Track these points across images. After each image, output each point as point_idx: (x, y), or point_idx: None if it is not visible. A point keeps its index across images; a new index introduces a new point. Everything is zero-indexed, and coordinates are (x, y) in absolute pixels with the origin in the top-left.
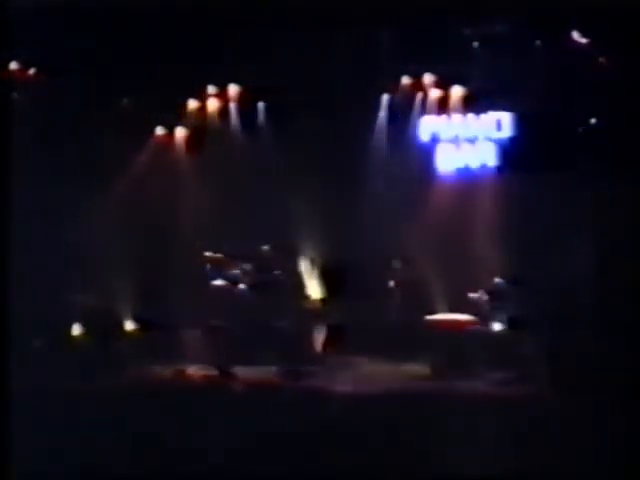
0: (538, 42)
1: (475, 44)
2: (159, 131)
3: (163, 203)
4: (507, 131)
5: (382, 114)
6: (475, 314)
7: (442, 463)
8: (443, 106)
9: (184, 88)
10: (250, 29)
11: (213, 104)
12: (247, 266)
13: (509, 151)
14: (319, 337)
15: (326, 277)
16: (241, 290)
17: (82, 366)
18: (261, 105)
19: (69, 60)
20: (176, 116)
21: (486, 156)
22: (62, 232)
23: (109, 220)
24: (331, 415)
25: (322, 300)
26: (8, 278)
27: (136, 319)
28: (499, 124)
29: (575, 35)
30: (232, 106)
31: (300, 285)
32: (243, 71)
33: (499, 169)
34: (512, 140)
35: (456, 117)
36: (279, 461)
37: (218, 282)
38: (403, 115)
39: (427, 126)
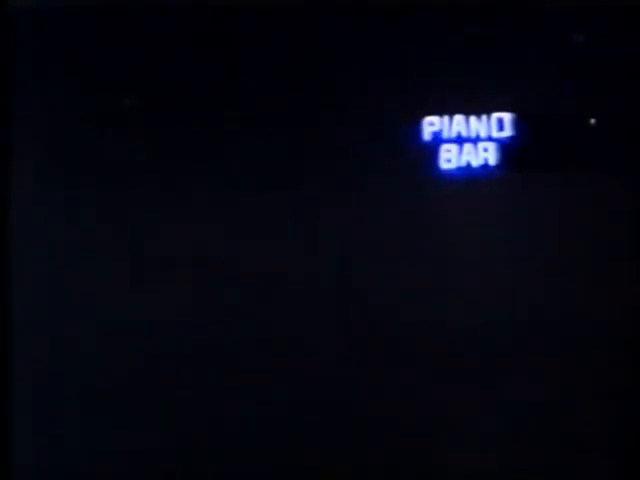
0: (540, 41)
1: (476, 43)
2: (163, 131)
3: (165, 203)
4: (508, 131)
5: (383, 115)
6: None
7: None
8: (444, 106)
9: (186, 88)
10: (249, 26)
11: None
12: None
13: (511, 150)
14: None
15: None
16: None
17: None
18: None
19: (69, 60)
20: (180, 116)
21: (488, 155)
22: (62, 232)
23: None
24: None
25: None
26: (8, 278)
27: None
28: (501, 124)
29: (576, 34)
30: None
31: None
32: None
33: (501, 168)
34: (513, 139)
35: (458, 117)
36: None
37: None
38: (404, 115)
39: (429, 126)
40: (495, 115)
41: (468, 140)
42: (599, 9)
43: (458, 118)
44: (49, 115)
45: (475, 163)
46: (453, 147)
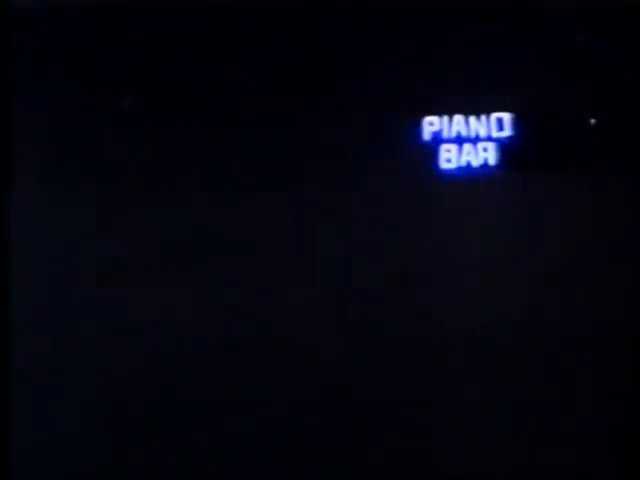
0: (540, 41)
1: (476, 43)
2: (163, 131)
3: (165, 203)
4: (508, 131)
5: (383, 115)
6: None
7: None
8: (444, 106)
9: (186, 88)
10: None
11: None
12: None
13: (511, 150)
14: None
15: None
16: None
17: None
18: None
19: (69, 60)
20: (180, 116)
21: (488, 155)
22: (62, 232)
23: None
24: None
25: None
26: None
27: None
28: (500, 124)
29: (576, 34)
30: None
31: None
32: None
33: (501, 168)
34: (513, 139)
35: (457, 117)
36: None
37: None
38: (404, 115)
39: (429, 126)
40: (495, 115)
41: (468, 140)
42: (599, 9)
43: (458, 118)
44: (49, 115)
45: (475, 163)
46: (453, 147)
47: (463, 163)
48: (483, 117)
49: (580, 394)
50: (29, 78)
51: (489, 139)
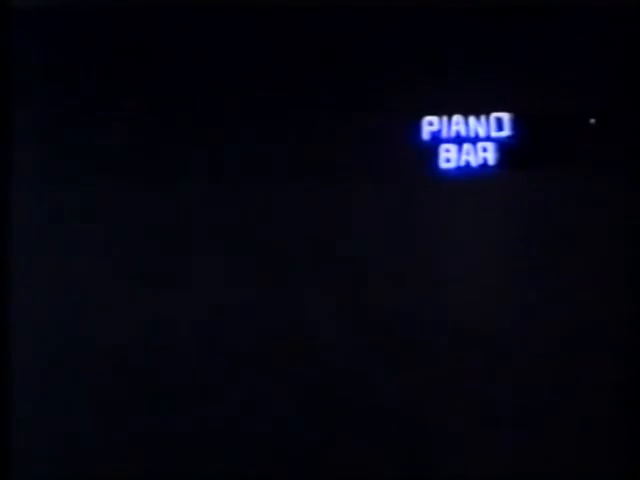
0: (539, 41)
1: (476, 43)
2: (163, 131)
3: (165, 203)
4: (507, 130)
5: (383, 115)
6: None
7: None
8: (443, 106)
9: (186, 87)
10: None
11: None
12: None
13: (510, 150)
14: None
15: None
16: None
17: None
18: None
19: (69, 60)
20: (180, 116)
21: (487, 155)
22: (62, 232)
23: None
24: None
25: None
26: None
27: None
28: (500, 123)
29: (576, 34)
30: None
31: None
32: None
33: (500, 167)
34: (513, 139)
35: (457, 117)
36: None
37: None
38: (404, 115)
39: (428, 126)
40: (494, 115)
41: (467, 140)
42: (599, 9)
43: (457, 118)
44: (49, 115)
45: (474, 163)
46: (452, 147)
47: (462, 163)
48: (482, 117)
49: (580, 394)
50: (29, 78)
51: (488, 139)
